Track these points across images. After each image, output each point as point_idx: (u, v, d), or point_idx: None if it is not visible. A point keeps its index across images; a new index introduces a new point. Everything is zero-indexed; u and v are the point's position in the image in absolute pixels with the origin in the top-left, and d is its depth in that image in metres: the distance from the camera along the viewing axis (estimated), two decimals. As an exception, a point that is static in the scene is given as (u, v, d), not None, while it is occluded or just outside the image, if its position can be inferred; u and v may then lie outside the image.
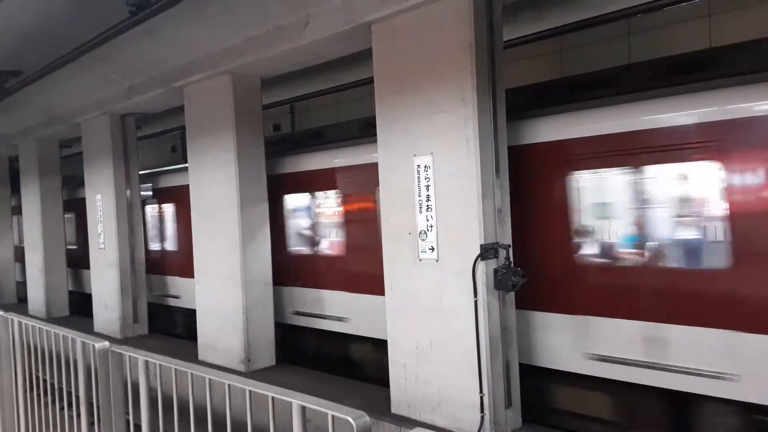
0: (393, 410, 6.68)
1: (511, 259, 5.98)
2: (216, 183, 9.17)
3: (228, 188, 8.92)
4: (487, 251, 5.85)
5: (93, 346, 4.50)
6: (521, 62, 7.87)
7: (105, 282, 12.12)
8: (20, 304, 16.65)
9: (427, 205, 6.26)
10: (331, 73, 10.15)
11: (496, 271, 5.91)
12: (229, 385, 3.38)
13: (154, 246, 12.67)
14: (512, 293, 6.12)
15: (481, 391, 5.84)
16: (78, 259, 14.76)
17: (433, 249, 6.23)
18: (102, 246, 12.12)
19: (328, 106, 11.94)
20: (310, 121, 12.65)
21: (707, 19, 6.61)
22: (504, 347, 6.05)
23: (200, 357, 9.55)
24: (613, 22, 6.71)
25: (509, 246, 6.04)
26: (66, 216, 15.16)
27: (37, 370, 5.97)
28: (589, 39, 7.46)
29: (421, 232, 6.32)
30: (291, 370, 8.94)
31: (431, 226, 6.23)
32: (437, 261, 6.19)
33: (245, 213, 8.86)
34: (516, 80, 6.80)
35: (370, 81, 6.81)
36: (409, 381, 6.50)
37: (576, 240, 6.21)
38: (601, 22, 6.73)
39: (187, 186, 9.78)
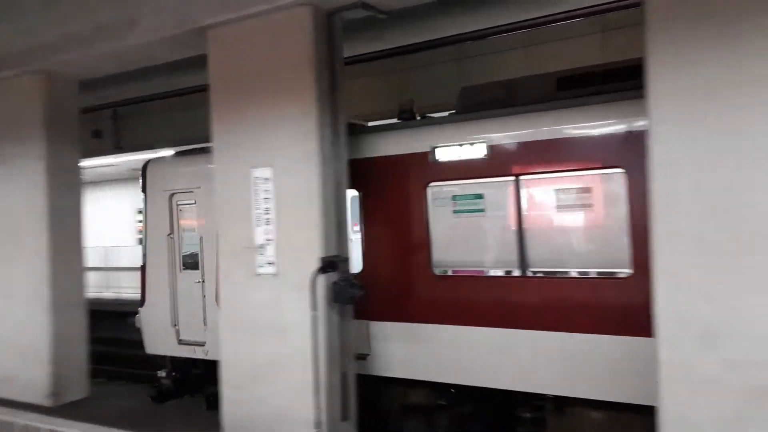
0: (226, 435, 6.32)
1: (350, 272, 6.01)
2: (20, 194, 8.08)
3: (35, 200, 7.90)
4: (327, 264, 5.81)
5: None
6: (364, 79, 8.05)
7: None
8: None
9: (266, 219, 6.08)
10: (167, 77, 9.49)
11: (334, 284, 5.89)
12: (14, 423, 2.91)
13: None
14: (350, 305, 6.15)
15: (318, 407, 5.75)
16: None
17: (272, 263, 6.06)
18: None
19: (160, 111, 11.17)
20: (135, 128, 11.73)
21: (525, 50, 7.35)
22: (342, 360, 6.04)
23: (-5, 393, 8.25)
24: (447, 46, 7.17)
25: (347, 259, 6.07)
26: None
27: None
28: (427, 61, 7.87)
29: (259, 246, 6.11)
30: (109, 399, 8.12)
31: (270, 240, 6.06)
32: (276, 275, 6.02)
33: (55, 227, 7.90)
34: (359, 97, 6.96)
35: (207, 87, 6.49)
36: (243, 403, 6.20)
37: None
38: (435, 45, 7.15)
39: None
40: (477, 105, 6.06)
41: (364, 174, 6.40)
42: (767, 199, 3.94)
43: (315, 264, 5.75)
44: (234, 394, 6.28)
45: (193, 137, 8.47)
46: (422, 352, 6.18)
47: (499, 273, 5.90)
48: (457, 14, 6.83)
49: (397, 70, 8.12)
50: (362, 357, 6.44)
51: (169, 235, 7.77)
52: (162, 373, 8.00)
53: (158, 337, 7.91)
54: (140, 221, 8.52)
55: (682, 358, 4.19)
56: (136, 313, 8.21)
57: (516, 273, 5.75)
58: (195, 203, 7.59)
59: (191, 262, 7.70)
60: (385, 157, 6.37)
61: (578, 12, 6.39)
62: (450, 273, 6.13)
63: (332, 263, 5.87)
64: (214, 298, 7.21)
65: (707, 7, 4.12)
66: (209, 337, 7.32)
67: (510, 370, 5.71)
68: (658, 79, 4.30)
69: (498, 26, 6.76)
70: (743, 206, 4.03)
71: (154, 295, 7.97)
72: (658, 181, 4.32)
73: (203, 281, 7.44)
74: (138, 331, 8.21)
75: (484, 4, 6.80)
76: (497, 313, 5.78)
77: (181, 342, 7.68)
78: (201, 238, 7.49)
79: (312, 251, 5.80)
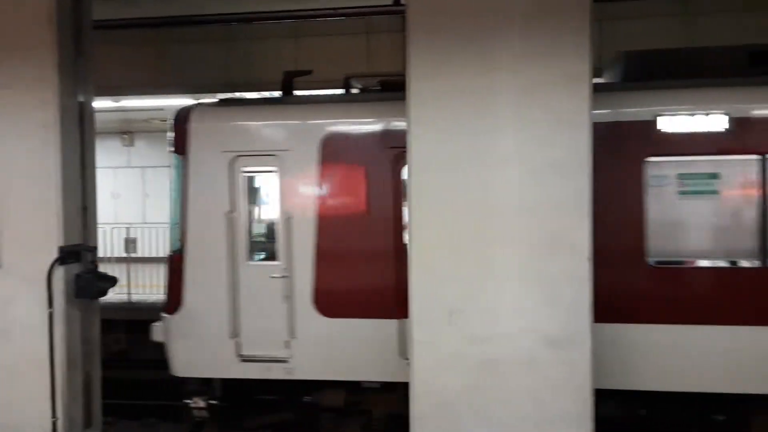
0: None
1: (97, 262, 5.39)
2: None
3: None
4: (68, 254, 5.12)
5: None
6: (120, 47, 7.17)
7: None
8: None
9: (-15, 201, 5.12)
10: None
11: (78, 276, 5.22)
12: None
13: None
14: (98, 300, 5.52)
15: (54, 415, 5.07)
16: None
17: (-8, 253, 5.12)
18: None
19: None
20: None
21: (295, 40, 7.37)
22: (85, 361, 5.40)
23: None
24: (212, 24, 6.79)
25: (95, 248, 5.43)
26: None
27: None
28: (194, 37, 7.33)
29: (-25, 233, 5.11)
30: None
31: (-10, 226, 5.11)
32: (-1, 267, 5.11)
33: None
34: (117, 66, 6.20)
35: None
36: (-48, 421, 5.15)
37: None
38: (197, 22, 6.71)
39: None
40: (647, 73, 5.47)
41: None
42: (501, 197, 4.59)
43: (53, 254, 5.03)
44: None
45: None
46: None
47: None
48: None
49: (160, 41, 7.41)
50: None
51: (230, 212, 5.76)
52: (198, 402, 5.94)
53: (202, 353, 5.86)
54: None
55: (431, 336, 4.67)
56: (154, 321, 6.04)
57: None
58: (278, 171, 5.71)
59: (264, 250, 5.87)
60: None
61: (344, 11, 6.62)
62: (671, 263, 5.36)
63: (75, 253, 5.20)
64: (309, 299, 5.63)
65: (459, 21, 4.60)
66: (298, 352, 5.66)
67: None
68: (416, 83, 4.69)
69: (264, 12, 6.64)
70: (483, 202, 4.62)
71: (197, 294, 5.80)
72: (414, 176, 4.72)
73: (288, 276, 5.67)
74: (156, 346, 6.02)
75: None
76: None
77: (244, 359, 5.79)
78: (288, 219, 5.66)
79: (49, 239, 5.06)
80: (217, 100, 6.57)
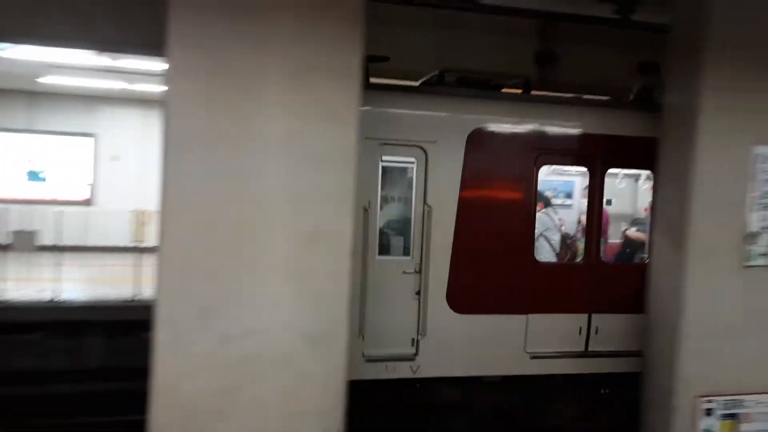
0: None
1: None
2: None
3: None
4: None
5: None
6: None
7: None
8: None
9: None
10: None
11: None
12: None
13: None
14: None
15: None
16: None
17: None
18: None
19: None
20: None
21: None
22: None
23: None
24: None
25: None
26: None
27: None
28: None
29: None
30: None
31: None
32: None
33: None
34: None
35: None
36: None
37: None
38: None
39: None
40: None
41: None
42: (265, 187, 4.34)
43: None
44: None
45: None
46: None
47: None
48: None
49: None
50: None
51: (367, 204, 5.30)
52: None
53: None
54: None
55: (179, 337, 4.21)
56: None
57: None
58: (426, 162, 5.51)
59: (396, 245, 5.61)
60: None
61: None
62: None
63: None
64: (443, 295, 5.50)
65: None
66: (427, 349, 5.47)
67: None
68: (177, 56, 4.23)
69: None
70: (244, 191, 4.33)
71: None
72: (168, 158, 4.23)
73: (419, 271, 5.46)
74: None
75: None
76: None
77: (368, 359, 5.31)
78: (428, 211, 5.43)
79: None
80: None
